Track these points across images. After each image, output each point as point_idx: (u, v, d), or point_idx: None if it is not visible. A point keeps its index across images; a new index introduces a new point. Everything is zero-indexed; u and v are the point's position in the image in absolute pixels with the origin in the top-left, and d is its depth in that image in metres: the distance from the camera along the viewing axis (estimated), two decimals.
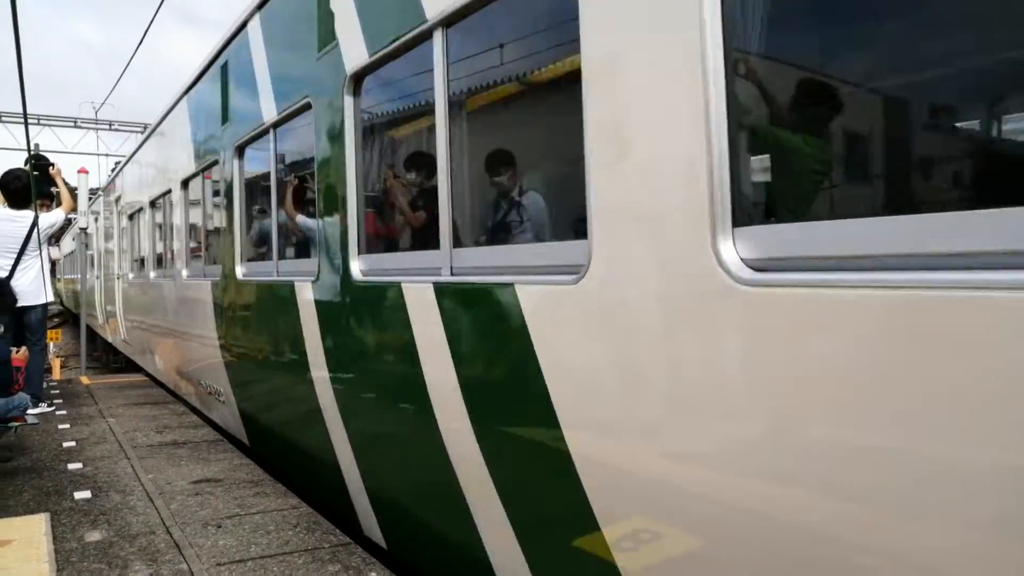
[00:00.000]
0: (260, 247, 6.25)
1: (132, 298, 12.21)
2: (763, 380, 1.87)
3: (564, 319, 2.54)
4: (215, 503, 4.75)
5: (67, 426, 7.35)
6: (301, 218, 5.19)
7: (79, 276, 17.13)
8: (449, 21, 3.15)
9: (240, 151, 6.19)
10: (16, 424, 5.72)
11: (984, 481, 1.46)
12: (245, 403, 6.29)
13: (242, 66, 5.96)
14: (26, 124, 4.46)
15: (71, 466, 5.70)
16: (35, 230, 7.46)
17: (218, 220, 7.20)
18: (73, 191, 10.94)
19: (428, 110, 3.39)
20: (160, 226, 10.00)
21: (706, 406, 2.02)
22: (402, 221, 4.14)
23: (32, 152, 9.47)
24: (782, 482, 1.85)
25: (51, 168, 8.54)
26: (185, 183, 8.17)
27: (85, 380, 11.27)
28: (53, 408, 8.25)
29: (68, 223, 15.87)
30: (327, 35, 4.23)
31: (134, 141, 13.94)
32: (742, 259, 1.91)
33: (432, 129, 3.33)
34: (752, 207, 2.08)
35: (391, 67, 3.81)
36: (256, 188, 6.20)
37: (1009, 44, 1.62)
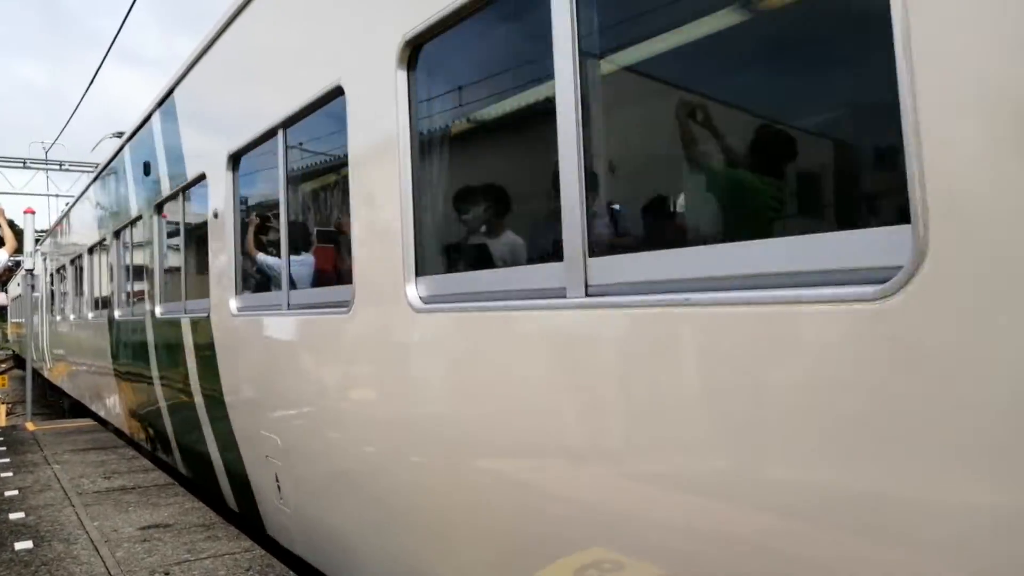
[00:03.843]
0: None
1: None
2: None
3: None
4: (164, 549, 4.60)
5: (10, 474, 7.08)
6: None
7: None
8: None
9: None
10: None
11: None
12: None
13: None
14: None
15: (12, 516, 5.48)
16: None
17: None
18: (19, 232, 10.70)
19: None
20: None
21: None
22: None
23: None
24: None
25: None
26: None
27: (31, 426, 10.90)
28: None
29: (16, 265, 15.45)
30: None
31: (85, 181, 13.62)
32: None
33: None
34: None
35: None
36: None
37: None
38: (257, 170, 5.15)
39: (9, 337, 33.81)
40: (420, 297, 3.02)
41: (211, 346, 5.46)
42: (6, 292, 34.50)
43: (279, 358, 4.53)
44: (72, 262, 13.20)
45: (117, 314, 9.14)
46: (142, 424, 8.48)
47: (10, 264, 10.04)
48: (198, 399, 5.93)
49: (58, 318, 15.38)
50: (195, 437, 6.13)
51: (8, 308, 36.88)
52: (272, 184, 4.75)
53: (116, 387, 9.49)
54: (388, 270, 3.18)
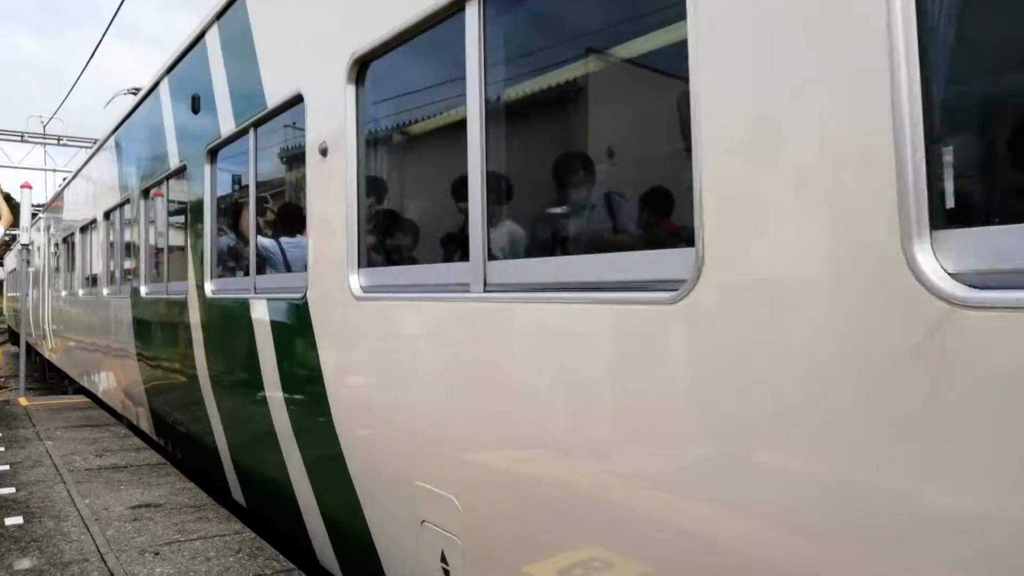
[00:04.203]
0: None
1: None
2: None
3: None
4: (154, 529, 4.59)
5: (1, 449, 7.07)
6: None
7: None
8: None
9: None
10: None
11: None
12: None
13: None
14: None
15: (2, 491, 5.47)
16: None
17: None
18: (15, 206, 10.66)
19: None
20: None
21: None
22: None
23: None
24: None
25: None
26: None
27: (24, 401, 10.88)
28: None
29: (12, 239, 15.38)
30: None
31: (83, 156, 13.43)
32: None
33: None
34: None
35: None
36: None
37: None
38: (405, 80, 3.49)
39: (4, 312, 33.74)
40: (951, 273, 1.40)
41: (310, 342, 3.85)
42: (2, 266, 34.45)
43: (473, 372, 2.75)
44: (83, 230, 11.47)
45: (144, 291, 7.50)
46: (174, 427, 6.81)
47: (6, 239, 10.01)
48: (278, 414, 4.31)
49: (63, 293, 13.44)
50: (267, 462, 4.50)
51: (3, 282, 36.85)
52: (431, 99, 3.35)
53: (139, 377, 7.80)
54: (827, 224, 1.59)
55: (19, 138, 27.17)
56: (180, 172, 6.41)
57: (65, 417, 9.22)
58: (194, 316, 5.76)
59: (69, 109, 27.16)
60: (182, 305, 6.01)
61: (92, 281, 10.78)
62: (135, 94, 8.75)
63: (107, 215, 9.57)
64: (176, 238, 6.86)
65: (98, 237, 10.15)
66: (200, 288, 5.61)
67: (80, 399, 11.12)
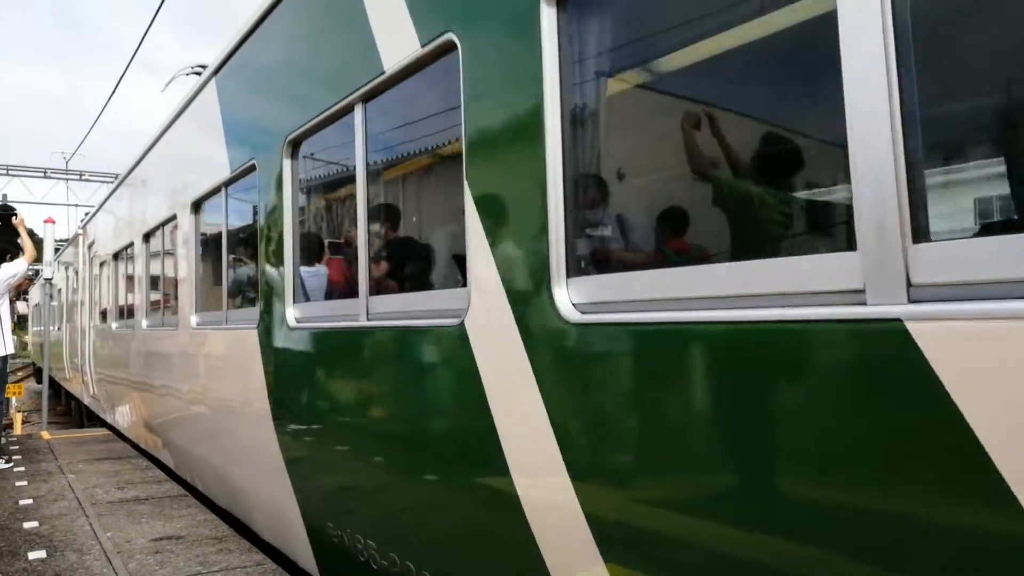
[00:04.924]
0: None
1: None
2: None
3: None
4: (175, 561, 4.59)
5: (24, 483, 7.12)
6: None
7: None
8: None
9: None
10: None
11: None
12: None
13: None
14: None
15: (26, 525, 5.50)
16: None
17: None
18: (38, 242, 10.81)
19: None
20: None
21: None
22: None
23: None
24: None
25: (14, 218, 8.44)
26: None
27: (46, 435, 10.97)
28: (11, 465, 7.99)
29: (36, 274, 15.50)
30: None
31: (105, 191, 13.34)
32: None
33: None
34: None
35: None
36: None
37: None
38: None
39: (30, 347, 34.12)
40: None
41: None
42: (27, 301, 34.91)
43: None
44: (146, 239, 8.55)
45: (295, 316, 4.34)
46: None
47: (30, 273, 10.09)
48: None
49: (113, 326, 10.43)
50: None
51: (28, 316, 37.32)
52: None
53: (280, 463, 4.49)
54: None
55: (42, 174, 27.69)
56: (423, 63, 3.18)
57: (87, 450, 9.27)
58: (476, 362, 2.77)
59: (91, 145, 27.63)
60: (428, 338, 3.15)
61: (162, 306, 8.15)
62: (199, 73, 6.70)
63: (196, 205, 6.57)
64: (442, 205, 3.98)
65: (176, 242, 7.19)
66: (536, 306, 2.50)
67: (101, 432, 11.19)
